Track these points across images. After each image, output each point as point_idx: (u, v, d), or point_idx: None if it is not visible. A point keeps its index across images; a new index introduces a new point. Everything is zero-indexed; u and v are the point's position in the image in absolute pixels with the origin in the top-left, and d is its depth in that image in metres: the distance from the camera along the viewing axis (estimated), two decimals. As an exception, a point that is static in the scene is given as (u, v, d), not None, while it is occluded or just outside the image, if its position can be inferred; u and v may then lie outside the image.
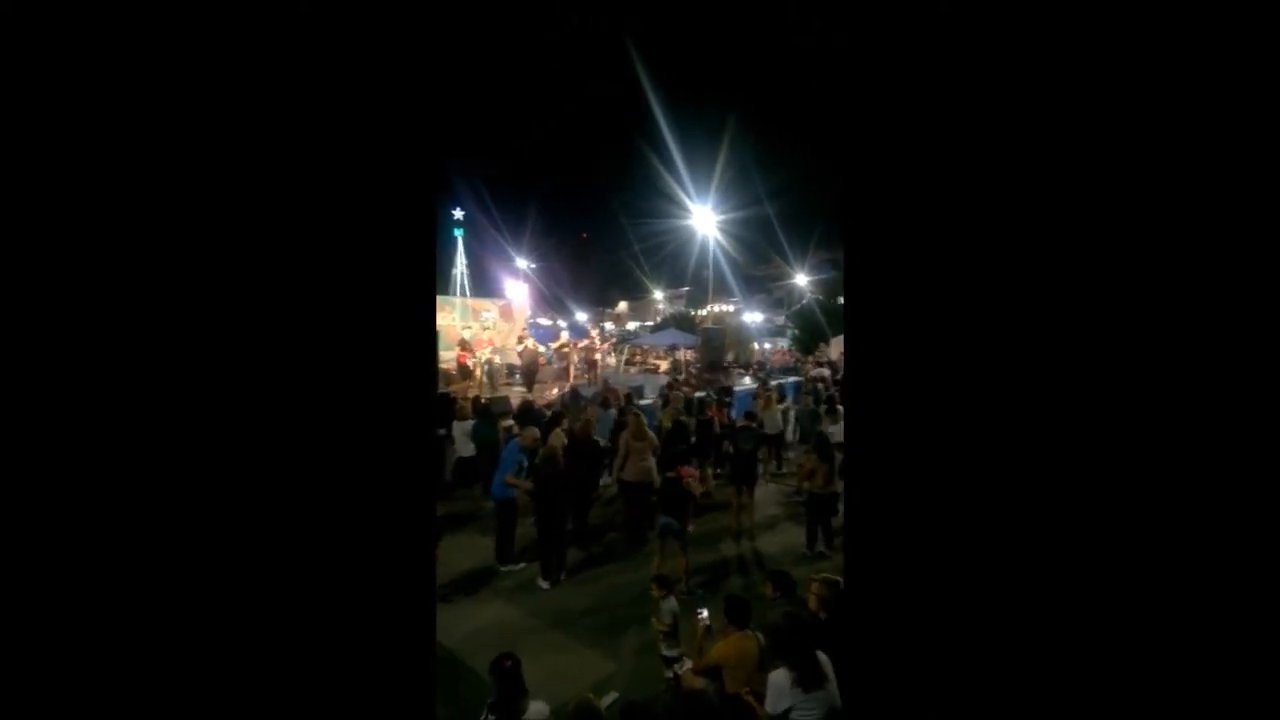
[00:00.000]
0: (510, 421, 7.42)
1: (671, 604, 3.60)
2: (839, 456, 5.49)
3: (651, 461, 5.68)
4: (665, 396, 8.24)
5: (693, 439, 6.85)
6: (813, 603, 3.01)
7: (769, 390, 8.54)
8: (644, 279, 43.81)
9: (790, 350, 20.77)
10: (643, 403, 8.67)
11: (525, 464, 5.34)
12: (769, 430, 7.55)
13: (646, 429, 5.87)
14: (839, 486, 5.39)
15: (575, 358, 12.23)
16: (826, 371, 13.83)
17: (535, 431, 5.59)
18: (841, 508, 5.78)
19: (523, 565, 5.15)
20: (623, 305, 53.05)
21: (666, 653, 3.55)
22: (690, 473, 4.99)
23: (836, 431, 6.58)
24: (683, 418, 7.09)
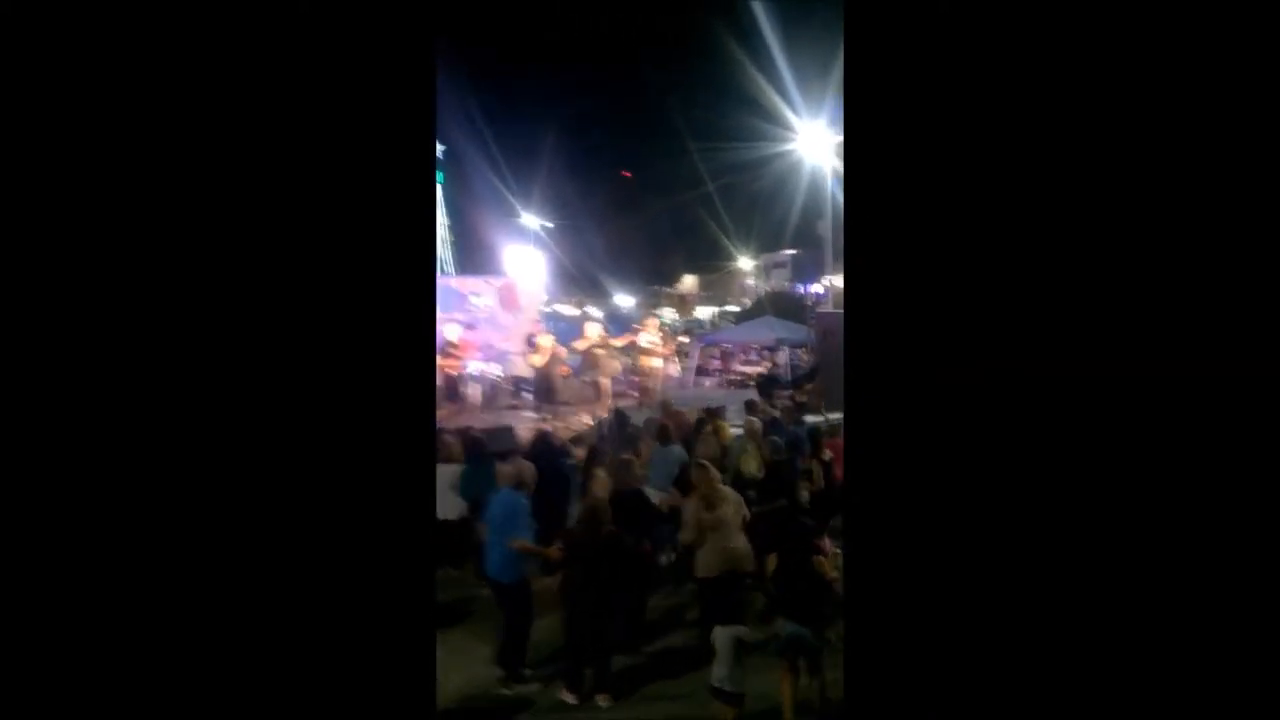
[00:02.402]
0: (518, 465, 7.49)
1: None
2: None
3: (742, 541, 5.47)
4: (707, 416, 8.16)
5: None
6: None
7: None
8: (723, 239, 43.67)
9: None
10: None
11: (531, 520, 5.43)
12: None
13: (724, 489, 5.70)
14: None
15: (615, 365, 12.37)
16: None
17: (526, 465, 5.68)
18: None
19: (535, 686, 5.24)
20: (690, 281, 53.25)
21: None
22: (827, 548, 4.87)
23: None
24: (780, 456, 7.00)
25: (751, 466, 6.89)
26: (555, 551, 5.18)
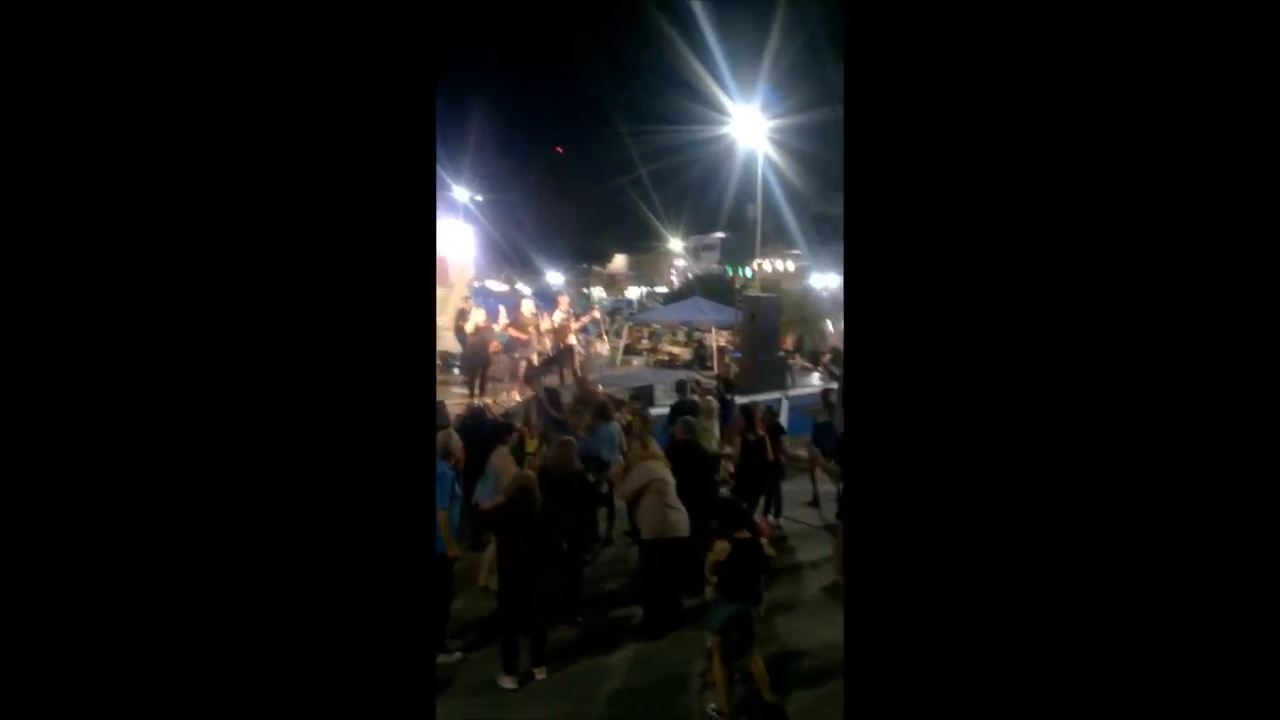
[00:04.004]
0: (442, 435, 7.52)
1: None
2: None
3: (679, 507, 5.78)
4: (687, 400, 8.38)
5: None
6: None
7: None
8: (653, 220, 43.79)
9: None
10: (655, 411, 8.83)
11: (459, 491, 5.52)
12: None
13: (658, 453, 6.05)
14: None
15: (545, 342, 12.37)
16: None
17: (452, 436, 5.81)
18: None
19: (458, 655, 5.32)
20: (620, 260, 53.27)
21: None
22: (766, 530, 5.04)
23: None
24: (716, 443, 7.20)
25: (712, 444, 7.15)
26: (453, 549, 5.30)
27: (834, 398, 9.52)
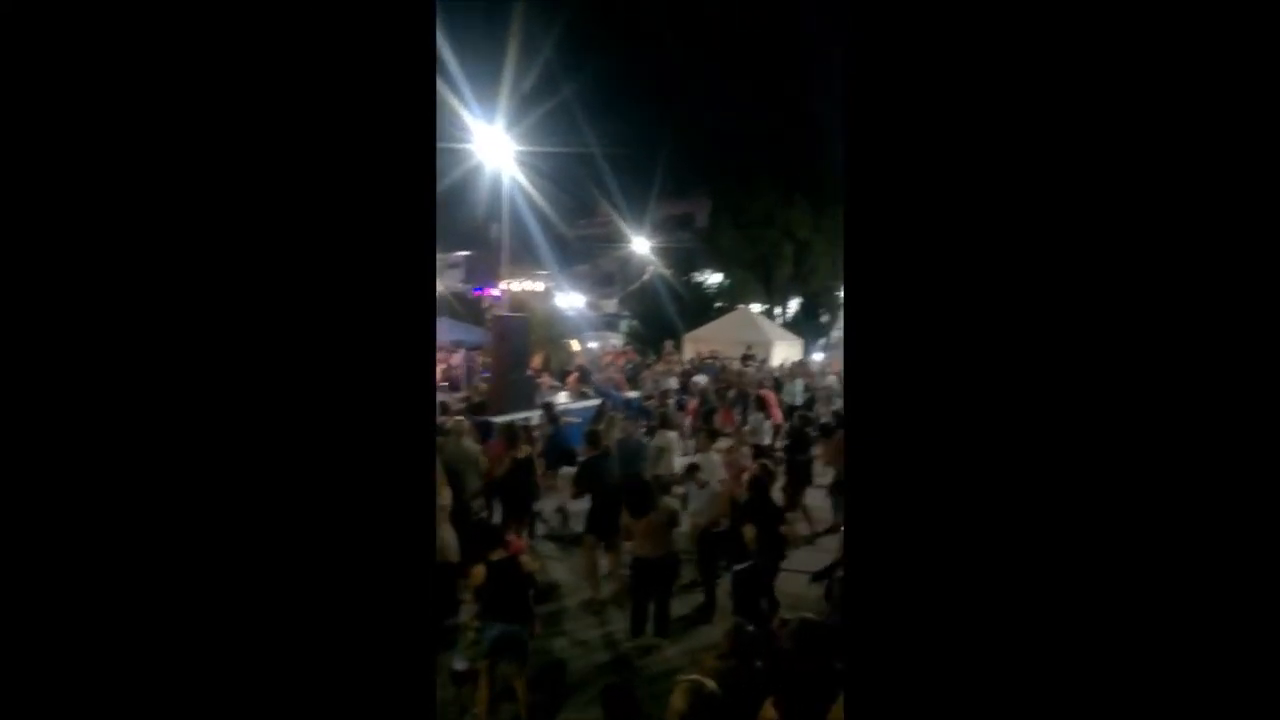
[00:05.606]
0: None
1: None
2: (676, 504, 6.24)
3: (449, 533, 5.64)
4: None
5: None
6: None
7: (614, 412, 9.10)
8: (394, 236, 42.11)
9: (626, 350, 21.79)
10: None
11: None
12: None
13: (441, 480, 5.88)
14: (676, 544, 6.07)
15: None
16: (673, 383, 14.94)
17: None
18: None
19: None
20: (358, 278, 50.73)
21: None
22: (521, 546, 5.01)
23: (706, 463, 7.28)
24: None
25: (477, 462, 7.13)
26: None
27: (556, 410, 10.29)
